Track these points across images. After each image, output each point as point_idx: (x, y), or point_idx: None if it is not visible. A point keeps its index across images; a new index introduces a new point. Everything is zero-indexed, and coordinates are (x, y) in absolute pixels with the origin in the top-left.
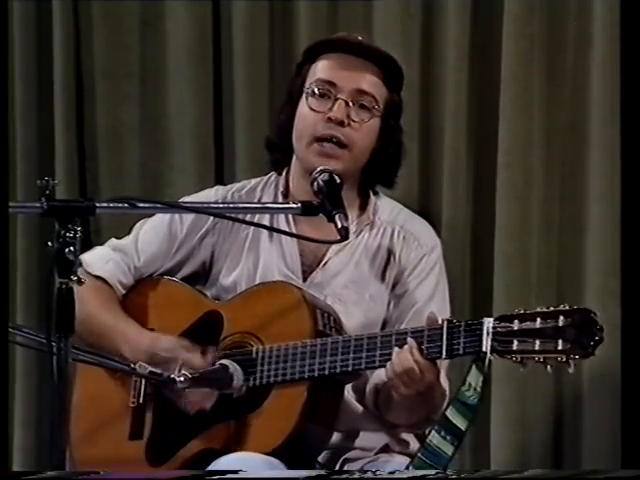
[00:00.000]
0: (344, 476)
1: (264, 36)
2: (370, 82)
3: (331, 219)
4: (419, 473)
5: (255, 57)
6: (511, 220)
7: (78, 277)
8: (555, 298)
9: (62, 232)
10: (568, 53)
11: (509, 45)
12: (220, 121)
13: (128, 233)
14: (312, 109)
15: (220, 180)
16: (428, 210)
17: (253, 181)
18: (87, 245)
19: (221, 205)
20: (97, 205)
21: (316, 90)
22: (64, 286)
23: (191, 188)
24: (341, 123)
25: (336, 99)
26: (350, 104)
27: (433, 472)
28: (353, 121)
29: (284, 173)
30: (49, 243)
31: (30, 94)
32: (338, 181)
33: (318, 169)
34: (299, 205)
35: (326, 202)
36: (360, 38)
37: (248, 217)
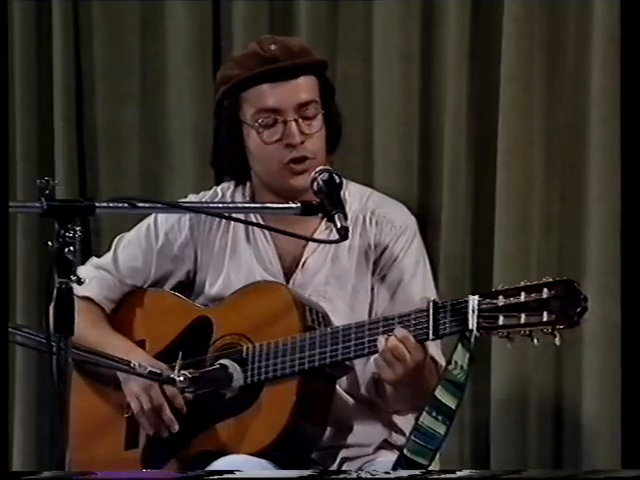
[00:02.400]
0: (342, 476)
1: None
2: (306, 88)
3: (330, 219)
4: (418, 473)
5: None
6: (511, 220)
7: (77, 277)
8: None
9: (62, 232)
10: (568, 53)
11: (509, 45)
12: None
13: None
14: (267, 142)
15: (220, 180)
16: (428, 210)
17: (220, 187)
18: (87, 245)
19: (220, 205)
20: (97, 205)
21: (264, 122)
22: (64, 286)
23: (191, 188)
24: (301, 142)
25: (285, 122)
26: (299, 120)
27: (432, 472)
28: (307, 134)
29: (248, 183)
30: (49, 243)
31: (30, 94)
32: (337, 180)
33: (318, 169)
34: (299, 205)
35: (325, 202)
36: (273, 47)
37: (222, 225)
